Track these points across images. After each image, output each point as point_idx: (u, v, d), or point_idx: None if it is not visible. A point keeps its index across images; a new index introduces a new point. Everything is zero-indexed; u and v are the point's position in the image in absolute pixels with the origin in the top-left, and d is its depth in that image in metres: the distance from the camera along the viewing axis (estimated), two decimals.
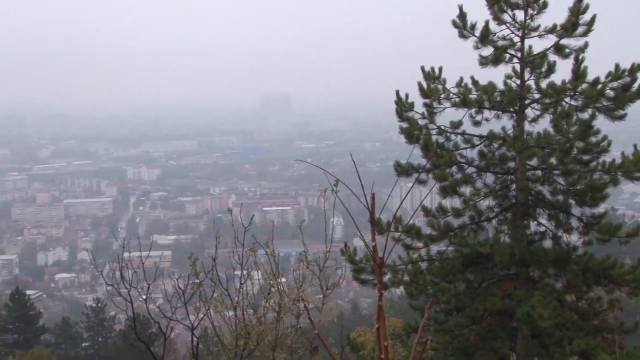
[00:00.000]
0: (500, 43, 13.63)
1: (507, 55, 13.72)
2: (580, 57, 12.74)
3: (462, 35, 13.70)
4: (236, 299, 8.01)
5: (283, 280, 8.01)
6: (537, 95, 13.76)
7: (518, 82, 13.85)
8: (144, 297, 7.89)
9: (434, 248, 14.09)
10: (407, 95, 14.05)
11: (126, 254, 7.76)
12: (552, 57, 13.63)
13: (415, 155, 13.55)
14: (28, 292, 52.77)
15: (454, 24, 13.68)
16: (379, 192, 4.29)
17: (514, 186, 14.02)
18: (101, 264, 8.75)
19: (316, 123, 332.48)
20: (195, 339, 8.09)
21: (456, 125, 14.02)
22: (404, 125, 14.04)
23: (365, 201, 3.58)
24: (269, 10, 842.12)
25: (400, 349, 13.88)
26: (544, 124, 13.62)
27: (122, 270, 7.67)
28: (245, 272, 8.03)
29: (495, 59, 13.54)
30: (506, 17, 13.62)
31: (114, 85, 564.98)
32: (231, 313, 8.06)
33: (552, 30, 13.49)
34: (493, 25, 13.56)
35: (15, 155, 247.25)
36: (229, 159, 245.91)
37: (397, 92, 14.10)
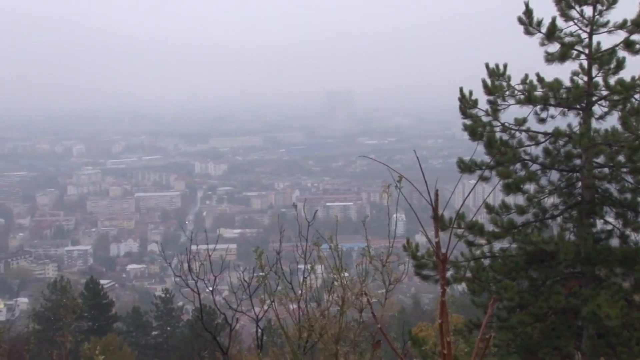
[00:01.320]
0: (567, 39, 13.44)
1: (574, 52, 13.52)
2: None
3: (528, 32, 13.57)
4: (300, 292, 8.21)
5: (346, 274, 8.16)
6: (604, 92, 13.52)
7: (585, 78, 13.62)
8: (211, 288, 8.17)
9: (497, 245, 14.02)
10: (470, 92, 14.00)
11: (194, 247, 8.07)
12: (621, 53, 13.37)
13: (478, 152, 13.52)
14: (101, 281, 54.56)
15: (520, 20, 13.56)
16: (442, 189, 4.40)
17: (579, 184, 13.82)
18: (170, 255, 9.06)
19: (379, 119, 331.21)
20: (259, 330, 8.35)
21: (521, 122, 13.91)
22: (468, 122, 14.01)
23: (429, 197, 3.69)
24: (333, 8, 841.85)
25: (462, 345, 13.89)
26: (612, 121, 13.39)
27: (189, 262, 7.97)
28: (309, 265, 8.23)
29: (562, 56, 13.37)
30: (574, 13, 13.42)
31: (184, 83, 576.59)
32: (295, 306, 8.26)
33: (622, 26, 13.23)
34: (560, 22, 13.39)
35: (90, 150, 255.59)
36: (293, 155, 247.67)
37: (461, 89, 14.08)
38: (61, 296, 42.77)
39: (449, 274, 13.46)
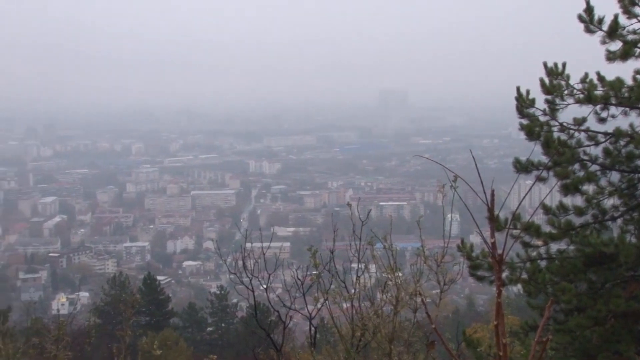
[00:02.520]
0: (630, 37, 13.08)
1: (638, 50, 13.15)
2: None
3: (589, 30, 13.25)
4: (353, 291, 8.23)
5: (399, 274, 8.15)
6: None
7: None
8: (265, 286, 8.28)
9: (554, 246, 13.73)
10: (527, 92, 13.76)
11: (248, 245, 8.17)
12: None
13: (535, 152, 13.27)
14: (158, 277, 55.63)
15: (580, 18, 13.25)
16: (497, 189, 4.36)
17: None
18: (225, 253, 9.22)
19: (433, 119, 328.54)
20: (313, 328, 8.41)
21: (580, 122, 13.59)
22: (525, 121, 13.77)
23: (485, 198, 3.67)
24: (387, 6, 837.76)
25: (518, 347, 13.69)
26: None
27: (244, 260, 8.09)
28: (362, 265, 8.25)
29: (624, 54, 13.01)
30: (637, 10, 13.05)
31: (239, 82, 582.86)
32: (348, 305, 8.29)
33: None
34: (622, 19, 13.03)
35: (149, 149, 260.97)
36: (347, 154, 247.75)
37: (518, 88, 13.85)
38: (120, 291, 43.82)
39: (504, 275, 13.27)
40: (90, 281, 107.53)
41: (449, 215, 7.56)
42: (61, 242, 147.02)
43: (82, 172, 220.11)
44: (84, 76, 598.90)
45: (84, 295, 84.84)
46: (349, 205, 8.38)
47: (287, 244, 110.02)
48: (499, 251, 3.68)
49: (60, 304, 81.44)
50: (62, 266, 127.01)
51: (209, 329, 46.16)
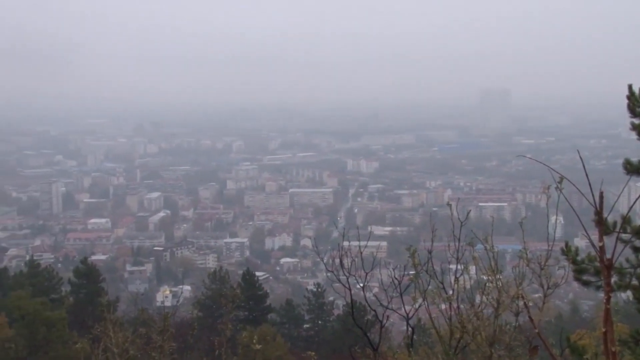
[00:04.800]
0: None
1: None
2: None
3: None
4: (451, 292, 8.11)
5: (501, 276, 7.96)
6: None
7: None
8: (361, 285, 8.28)
9: None
10: None
11: (345, 243, 8.20)
12: None
13: None
14: (257, 273, 56.67)
15: None
16: (605, 191, 4.17)
17: None
18: (322, 251, 9.28)
19: (536, 118, 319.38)
20: (410, 328, 8.33)
21: None
22: (637, 121, 13.08)
23: (593, 200, 3.52)
24: (490, 5, 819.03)
25: (627, 357, 13.05)
26: None
27: (341, 258, 8.11)
28: (462, 265, 8.10)
29: None
30: None
31: (338, 81, 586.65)
32: (445, 305, 8.17)
33: None
34: None
35: (249, 146, 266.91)
36: (446, 154, 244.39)
37: (630, 86, 13.16)
38: (220, 286, 44.96)
39: (612, 280, 12.65)
40: (192, 275, 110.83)
41: (553, 217, 7.32)
42: (165, 237, 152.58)
43: (185, 168, 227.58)
44: (189, 76, 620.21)
45: (186, 289, 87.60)
46: (449, 205, 8.25)
47: (384, 243, 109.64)
48: (608, 255, 3.51)
49: (165, 296, 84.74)
50: (165, 260, 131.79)
51: (306, 325, 46.48)
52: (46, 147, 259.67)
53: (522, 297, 7.42)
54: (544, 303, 7.67)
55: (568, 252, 12.98)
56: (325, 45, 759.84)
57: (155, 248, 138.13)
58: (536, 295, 8.20)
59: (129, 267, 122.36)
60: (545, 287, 7.63)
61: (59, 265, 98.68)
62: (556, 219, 7.15)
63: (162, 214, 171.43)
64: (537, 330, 4.01)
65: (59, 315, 30.16)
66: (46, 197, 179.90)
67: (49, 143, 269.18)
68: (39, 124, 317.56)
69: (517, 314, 7.68)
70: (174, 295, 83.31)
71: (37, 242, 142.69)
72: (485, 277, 7.92)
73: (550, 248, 7.63)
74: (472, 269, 8.33)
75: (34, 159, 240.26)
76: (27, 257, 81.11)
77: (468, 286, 8.21)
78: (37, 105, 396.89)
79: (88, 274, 42.20)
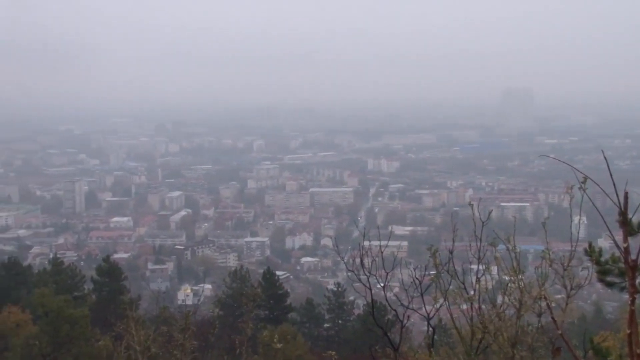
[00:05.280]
0: None
1: None
2: None
3: None
4: (472, 292, 8.05)
5: (523, 277, 7.89)
6: None
7: None
8: (382, 284, 8.25)
9: None
10: None
11: (366, 242, 8.18)
12: None
13: None
14: (277, 272, 56.74)
15: None
16: (630, 191, 4.12)
17: None
18: (342, 250, 9.23)
19: (560, 118, 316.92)
20: (431, 328, 8.29)
21: None
22: None
23: (617, 200, 3.47)
24: (512, 5, 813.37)
25: None
26: None
27: (362, 257, 8.09)
28: (483, 266, 8.04)
29: None
30: None
31: (358, 80, 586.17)
32: (466, 306, 8.11)
33: None
34: None
35: (269, 146, 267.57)
36: (467, 153, 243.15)
37: None
38: (241, 285, 45.12)
39: (637, 281, 12.49)
40: (213, 274, 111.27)
41: (576, 218, 7.25)
42: (186, 235, 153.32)
43: (207, 168, 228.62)
44: (210, 75, 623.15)
45: (207, 287, 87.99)
46: (470, 205, 8.19)
47: (405, 243, 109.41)
48: (633, 256, 3.47)
49: (186, 294, 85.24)
50: (187, 258, 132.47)
51: (326, 325, 46.44)
52: (70, 146, 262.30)
53: (545, 298, 7.35)
54: (567, 304, 7.60)
55: (591, 252, 12.82)
56: (347, 44, 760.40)
57: (177, 247, 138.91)
58: (559, 296, 8.13)
59: (150, 266, 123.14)
60: (569, 287, 7.56)
61: (82, 263, 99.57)
62: (579, 220, 7.08)
63: (183, 212, 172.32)
64: (560, 332, 3.97)
65: (81, 312, 30.44)
66: (69, 196, 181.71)
67: (72, 142, 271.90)
68: (62, 123, 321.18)
69: (539, 315, 7.61)
70: (195, 293, 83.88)
71: (61, 240, 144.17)
72: (507, 278, 7.86)
73: (573, 248, 7.56)
74: (494, 269, 8.28)
75: (58, 158, 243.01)
76: (51, 255, 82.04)
77: (490, 286, 8.15)
78: (60, 104, 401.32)
79: (110, 272, 42.58)
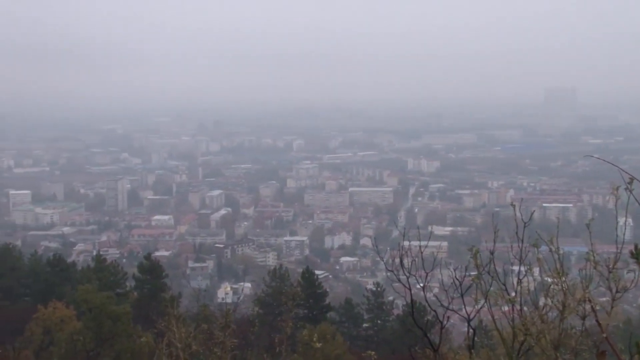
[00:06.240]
0: None
1: None
2: None
3: None
4: (513, 293, 7.95)
5: (566, 279, 7.75)
6: None
7: None
8: (422, 285, 8.18)
9: None
10: None
11: (405, 242, 8.12)
12: None
13: None
14: (316, 272, 56.85)
15: None
16: None
17: None
18: (382, 250, 9.22)
19: (605, 118, 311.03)
20: (471, 330, 8.20)
21: None
22: None
23: None
24: (559, 4, 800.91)
25: None
26: None
27: (401, 257, 8.04)
28: (524, 267, 7.93)
29: None
30: None
31: (398, 80, 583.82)
32: (507, 307, 8.01)
33: None
34: None
35: (309, 145, 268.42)
36: (509, 153, 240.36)
37: None
38: (280, 284, 45.33)
39: None
40: (252, 272, 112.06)
41: (622, 219, 7.09)
42: (226, 234, 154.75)
43: (247, 167, 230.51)
44: (250, 75, 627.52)
45: (247, 286, 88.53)
46: (512, 205, 8.07)
47: (445, 244, 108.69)
48: None
49: (225, 293, 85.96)
50: (226, 257, 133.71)
51: (365, 325, 46.41)
52: (113, 145, 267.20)
53: (589, 301, 7.20)
54: (612, 307, 7.43)
55: (638, 255, 12.58)
56: (388, 43, 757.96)
57: (217, 245, 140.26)
58: (603, 299, 7.97)
59: (191, 264, 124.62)
60: (614, 290, 7.39)
61: (124, 260, 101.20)
62: (625, 221, 6.93)
63: (223, 211, 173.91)
64: (605, 335, 3.88)
65: (123, 309, 30.97)
66: (112, 194, 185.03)
67: (115, 141, 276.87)
68: (106, 122, 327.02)
69: (583, 318, 7.46)
70: (235, 292, 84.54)
71: (103, 238, 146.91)
72: (549, 279, 7.73)
73: (619, 250, 7.39)
74: (536, 271, 8.15)
75: (101, 157, 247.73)
76: (94, 252, 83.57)
77: (532, 288, 8.03)
78: (104, 104, 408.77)
79: (151, 270, 43.24)
